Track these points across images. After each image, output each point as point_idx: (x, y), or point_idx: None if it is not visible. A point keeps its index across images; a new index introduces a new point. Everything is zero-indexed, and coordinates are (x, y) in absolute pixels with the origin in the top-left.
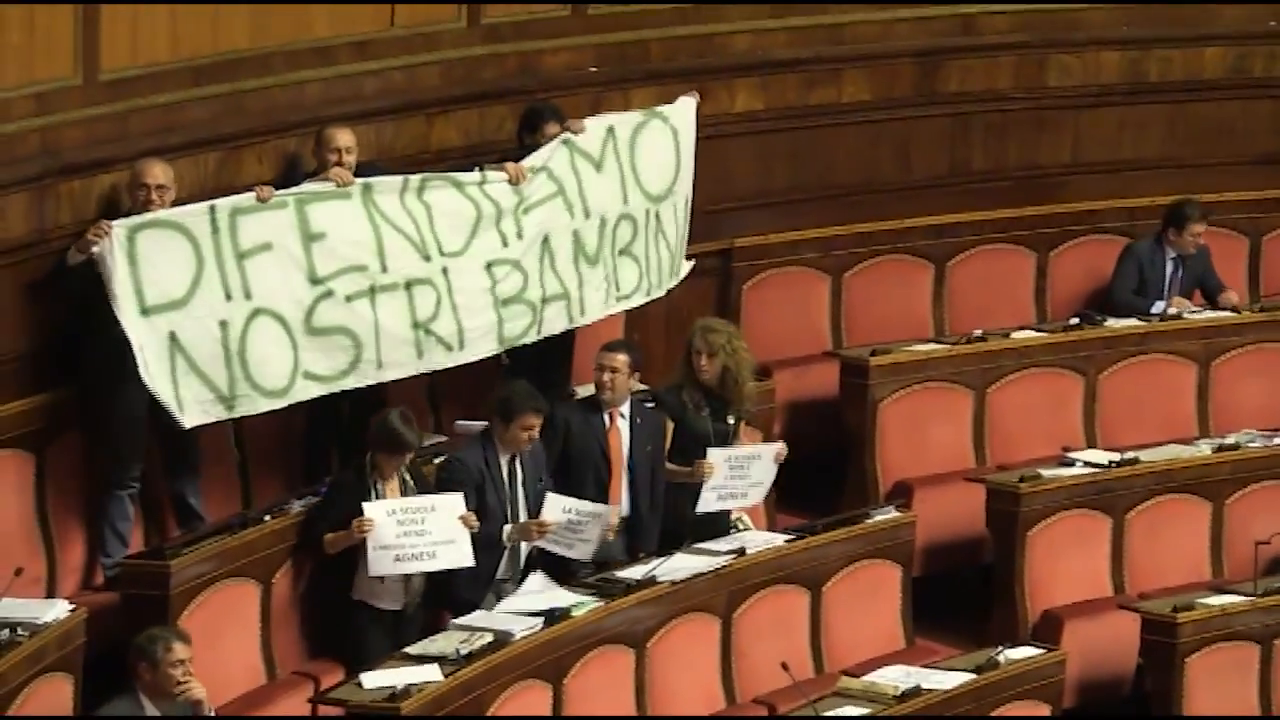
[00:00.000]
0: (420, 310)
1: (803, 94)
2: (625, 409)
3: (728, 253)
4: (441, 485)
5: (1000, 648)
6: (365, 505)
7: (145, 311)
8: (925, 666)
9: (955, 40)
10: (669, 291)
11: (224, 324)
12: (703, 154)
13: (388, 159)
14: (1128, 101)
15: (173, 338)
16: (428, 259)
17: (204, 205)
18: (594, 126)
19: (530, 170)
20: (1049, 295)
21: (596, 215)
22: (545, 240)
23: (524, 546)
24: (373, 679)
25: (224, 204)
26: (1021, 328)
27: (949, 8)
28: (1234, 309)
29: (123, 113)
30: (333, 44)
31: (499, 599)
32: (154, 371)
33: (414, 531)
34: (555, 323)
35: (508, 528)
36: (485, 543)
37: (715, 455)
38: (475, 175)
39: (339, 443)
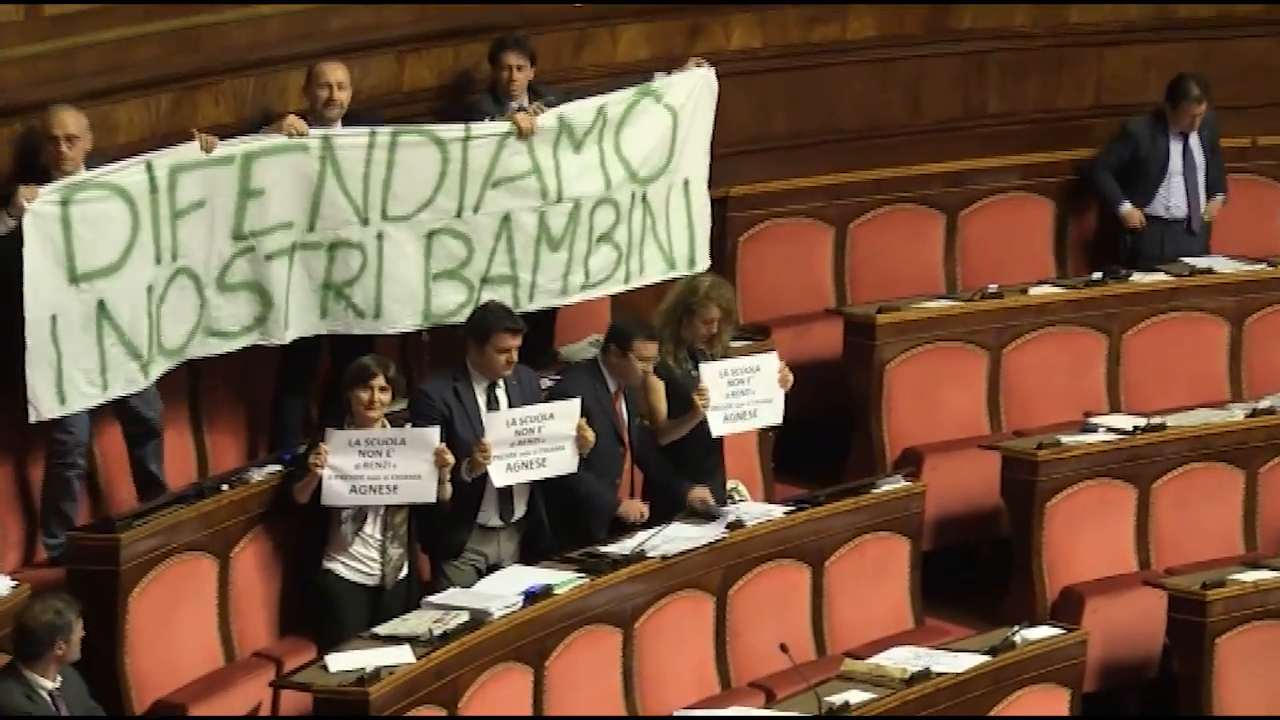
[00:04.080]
0: (337, 272)
1: (804, 31)
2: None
3: (722, 202)
4: (412, 423)
5: (1016, 628)
6: (328, 431)
7: (75, 280)
8: (935, 648)
9: None
10: (683, 278)
11: (150, 289)
12: None
13: (353, 102)
14: (1154, 39)
15: (101, 306)
16: (365, 222)
17: (141, 162)
18: (585, 107)
19: (539, 127)
20: (1069, 248)
21: (569, 200)
22: (506, 218)
23: (517, 484)
24: (339, 661)
25: (163, 161)
26: (1040, 283)
27: None
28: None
29: (68, 50)
30: None
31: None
32: (69, 349)
33: (375, 464)
34: None
35: (465, 463)
36: (460, 480)
37: (709, 371)
38: (459, 129)
39: (321, 407)
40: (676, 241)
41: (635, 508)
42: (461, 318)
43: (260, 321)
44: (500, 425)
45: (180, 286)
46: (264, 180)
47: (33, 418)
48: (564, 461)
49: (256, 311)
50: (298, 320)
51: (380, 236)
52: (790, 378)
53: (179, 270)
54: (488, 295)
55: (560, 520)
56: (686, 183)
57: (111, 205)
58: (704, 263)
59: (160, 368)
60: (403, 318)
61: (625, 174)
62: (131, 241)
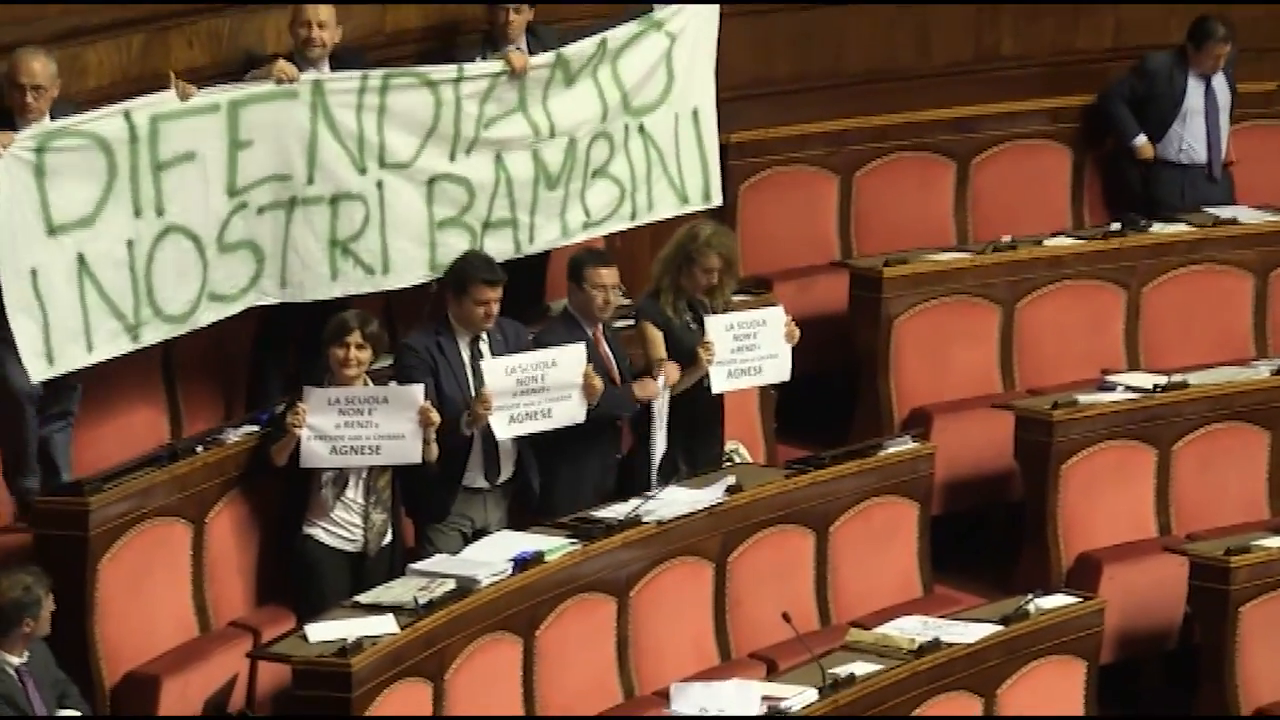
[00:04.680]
0: (342, 227)
1: None
2: (600, 328)
3: (722, 149)
4: (398, 379)
5: (1030, 596)
6: (306, 390)
7: (53, 231)
8: (945, 617)
9: None
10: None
11: (131, 244)
12: None
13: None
14: None
15: (81, 260)
16: (363, 171)
17: (119, 110)
18: (586, 43)
19: (532, 66)
20: (1086, 197)
21: (564, 134)
22: (499, 159)
23: (504, 441)
24: (319, 631)
25: (143, 108)
26: (1055, 234)
27: None
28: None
29: None
30: None
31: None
32: (53, 306)
33: (357, 423)
34: (499, 251)
35: (465, 416)
36: (448, 439)
37: (714, 324)
38: (451, 70)
39: (299, 363)
40: (689, 175)
41: (657, 382)
42: None
43: (255, 280)
44: (500, 374)
45: (177, 247)
46: (253, 130)
47: (34, 378)
48: (571, 411)
49: (251, 270)
50: (299, 283)
51: (380, 185)
52: (797, 332)
53: (170, 228)
54: (489, 241)
55: (551, 481)
56: (696, 112)
57: (88, 154)
58: (718, 197)
59: (157, 332)
60: (411, 270)
61: (620, 103)
62: (107, 192)
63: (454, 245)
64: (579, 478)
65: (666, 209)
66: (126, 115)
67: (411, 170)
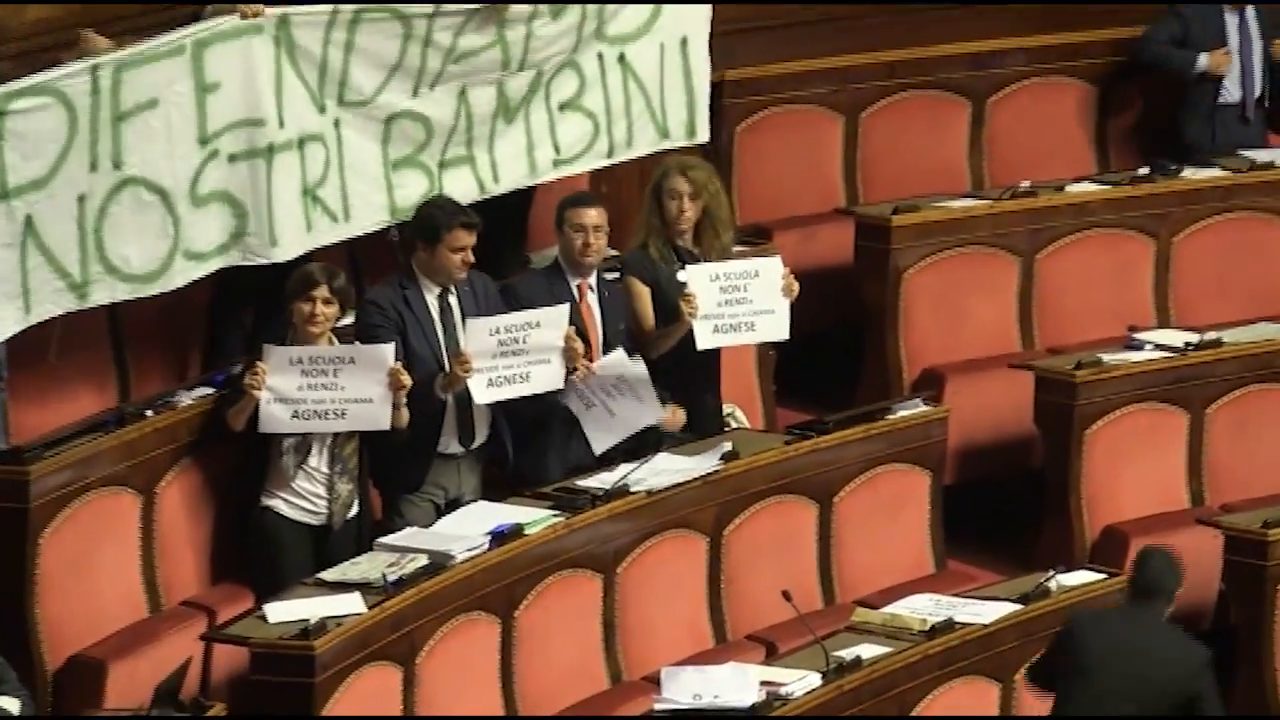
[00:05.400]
0: (311, 172)
1: None
2: (593, 280)
3: (717, 87)
4: (361, 337)
5: (1052, 572)
6: (266, 348)
7: (5, 195)
8: (959, 595)
9: None
10: (678, 149)
11: (82, 198)
12: None
13: None
14: None
15: (28, 222)
16: (322, 110)
17: (87, 65)
18: None
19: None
20: (1112, 139)
21: (531, 68)
22: (463, 93)
23: (478, 404)
24: (280, 611)
25: (109, 61)
26: (1078, 179)
27: None
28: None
29: None
30: None
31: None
32: None
33: (321, 385)
34: (460, 192)
35: (440, 378)
36: (415, 401)
37: (695, 274)
38: (428, 6)
39: (255, 317)
40: (672, 108)
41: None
42: None
43: (236, 237)
44: (483, 335)
45: (137, 201)
46: (220, 71)
47: None
48: (549, 376)
49: (231, 226)
50: (288, 238)
51: (338, 124)
52: (795, 286)
53: (128, 181)
54: (448, 182)
55: (527, 445)
56: (684, 42)
57: (50, 114)
58: (704, 133)
59: (114, 292)
60: (370, 215)
61: (597, 32)
62: (66, 149)
63: (412, 189)
64: (543, 442)
65: (646, 144)
66: (93, 69)
67: (370, 108)
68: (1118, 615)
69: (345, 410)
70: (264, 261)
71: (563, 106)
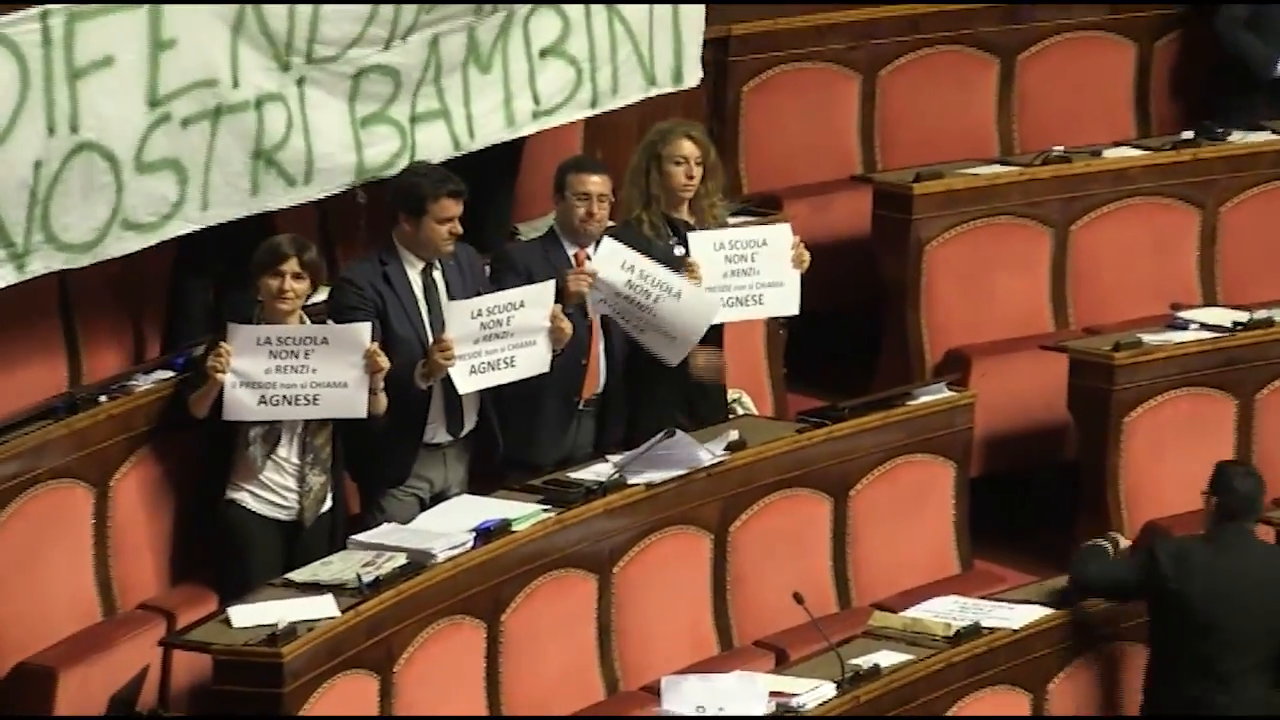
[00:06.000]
0: (268, 135)
1: None
2: (592, 249)
3: (723, 43)
4: (335, 320)
5: None
6: (231, 327)
7: None
8: (987, 598)
9: None
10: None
11: (39, 164)
12: None
13: None
14: None
15: None
16: (286, 68)
17: (36, 11)
18: None
19: None
20: (1154, 100)
21: (505, 9)
22: (434, 42)
23: (466, 391)
24: (246, 614)
25: (59, 10)
26: (1117, 143)
27: None
28: None
29: None
30: None
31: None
32: None
33: (291, 368)
34: (435, 149)
35: (420, 366)
36: (398, 387)
37: (699, 241)
38: None
39: (218, 296)
40: (660, 53)
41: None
42: (396, 168)
43: (178, 206)
44: (464, 318)
45: (89, 167)
46: (176, 26)
47: None
48: (536, 360)
49: (174, 194)
50: (224, 199)
51: (301, 83)
52: (807, 257)
53: (83, 145)
54: (421, 137)
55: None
56: None
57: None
58: (693, 77)
59: (49, 261)
60: (336, 177)
61: None
62: (19, 108)
63: (382, 147)
64: (532, 426)
65: (633, 92)
66: (43, 16)
67: (340, 63)
68: (1206, 542)
69: (317, 395)
70: (194, 229)
71: (544, 53)
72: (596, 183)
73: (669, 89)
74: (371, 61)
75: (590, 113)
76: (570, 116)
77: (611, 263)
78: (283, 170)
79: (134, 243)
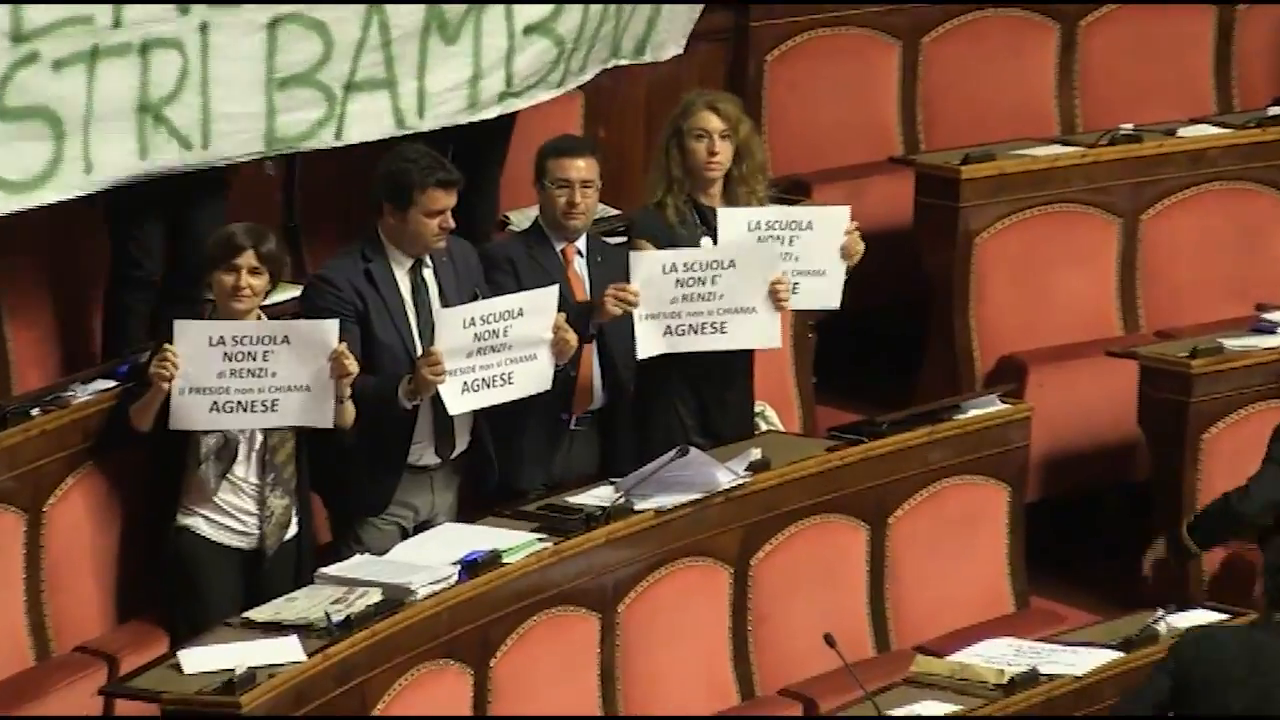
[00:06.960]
0: (155, 86)
1: None
2: (581, 243)
3: (743, 7)
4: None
5: (1161, 612)
6: (178, 324)
7: None
8: (1046, 640)
9: None
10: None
11: None
12: None
13: None
14: None
15: None
16: (185, 11)
17: None
18: None
19: None
20: (1236, 72)
21: None
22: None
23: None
24: (198, 658)
25: None
26: (1194, 121)
27: None
28: None
29: None
30: None
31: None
32: None
33: (247, 370)
34: (371, 125)
35: (406, 383)
36: (380, 403)
37: (728, 221)
38: None
39: (163, 291)
40: (634, 24)
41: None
42: (318, 141)
43: (55, 164)
44: (456, 328)
45: None
46: None
47: None
48: (536, 377)
49: (49, 151)
50: (109, 160)
51: (204, 29)
52: (860, 246)
53: None
54: (354, 108)
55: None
56: None
57: None
58: (663, 52)
59: None
60: (239, 145)
61: None
62: None
63: (300, 114)
64: (513, 445)
65: (594, 66)
66: None
67: (253, 9)
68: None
69: (276, 401)
70: (79, 194)
71: (529, 30)
72: (580, 168)
73: (626, 62)
74: (289, 10)
75: (556, 93)
76: (535, 99)
77: (651, 273)
78: (174, 129)
79: (8, 203)
